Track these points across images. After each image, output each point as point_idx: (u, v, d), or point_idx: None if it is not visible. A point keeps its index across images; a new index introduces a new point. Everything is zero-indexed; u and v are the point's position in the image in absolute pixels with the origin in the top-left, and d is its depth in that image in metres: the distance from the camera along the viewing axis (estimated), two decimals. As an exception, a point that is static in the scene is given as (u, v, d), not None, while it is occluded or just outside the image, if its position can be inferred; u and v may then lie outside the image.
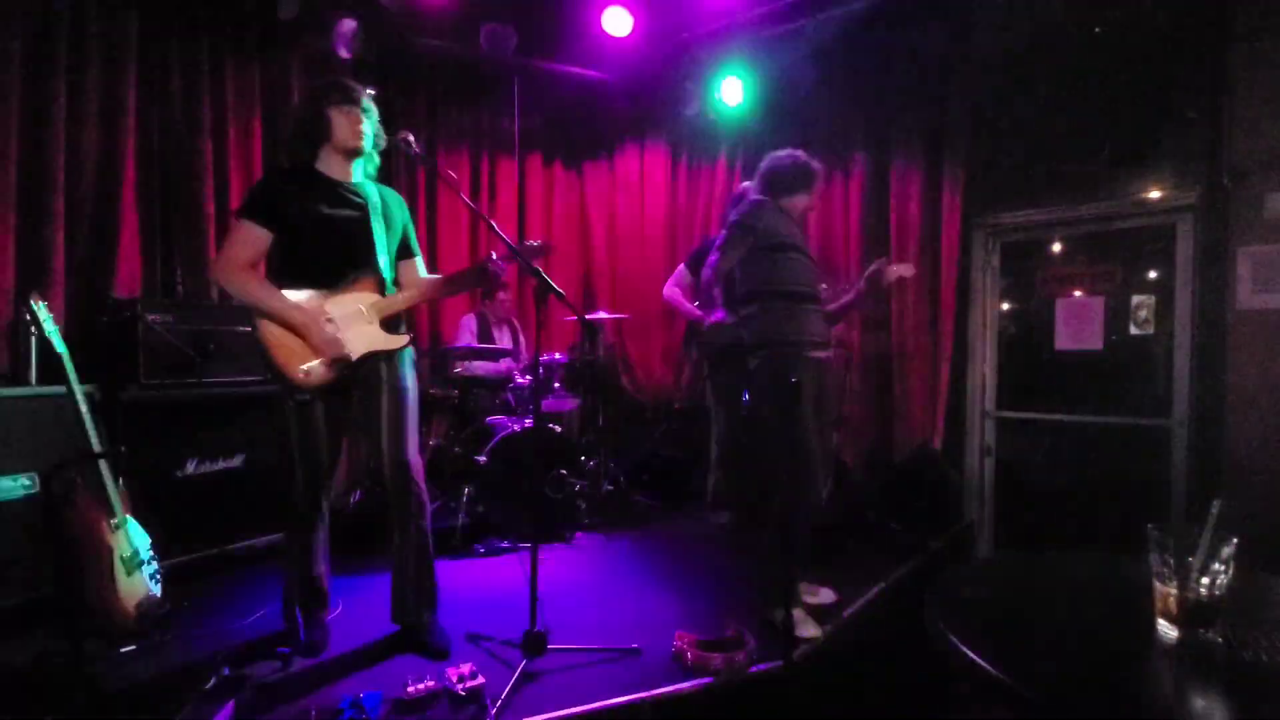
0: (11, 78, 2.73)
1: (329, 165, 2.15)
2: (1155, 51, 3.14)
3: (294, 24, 3.41)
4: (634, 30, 3.91)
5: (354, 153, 2.15)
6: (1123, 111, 3.24)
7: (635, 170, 5.02)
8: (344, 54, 3.54)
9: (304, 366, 2.04)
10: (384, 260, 2.19)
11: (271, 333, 2.05)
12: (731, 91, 4.19)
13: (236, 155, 3.45)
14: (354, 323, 2.10)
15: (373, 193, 2.23)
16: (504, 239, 2.14)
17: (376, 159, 2.24)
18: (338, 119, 2.10)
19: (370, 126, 2.16)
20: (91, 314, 2.93)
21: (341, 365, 2.07)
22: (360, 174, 2.22)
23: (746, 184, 2.88)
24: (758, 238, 2.40)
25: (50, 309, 2.25)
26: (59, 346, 2.19)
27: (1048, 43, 3.38)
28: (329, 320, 2.05)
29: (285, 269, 2.09)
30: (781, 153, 2.58)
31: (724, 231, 2.49)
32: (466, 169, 4.55)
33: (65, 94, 2.88)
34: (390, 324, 2.18)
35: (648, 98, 4.69)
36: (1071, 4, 3.29)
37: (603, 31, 3.88)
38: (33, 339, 2.42)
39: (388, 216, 2.24)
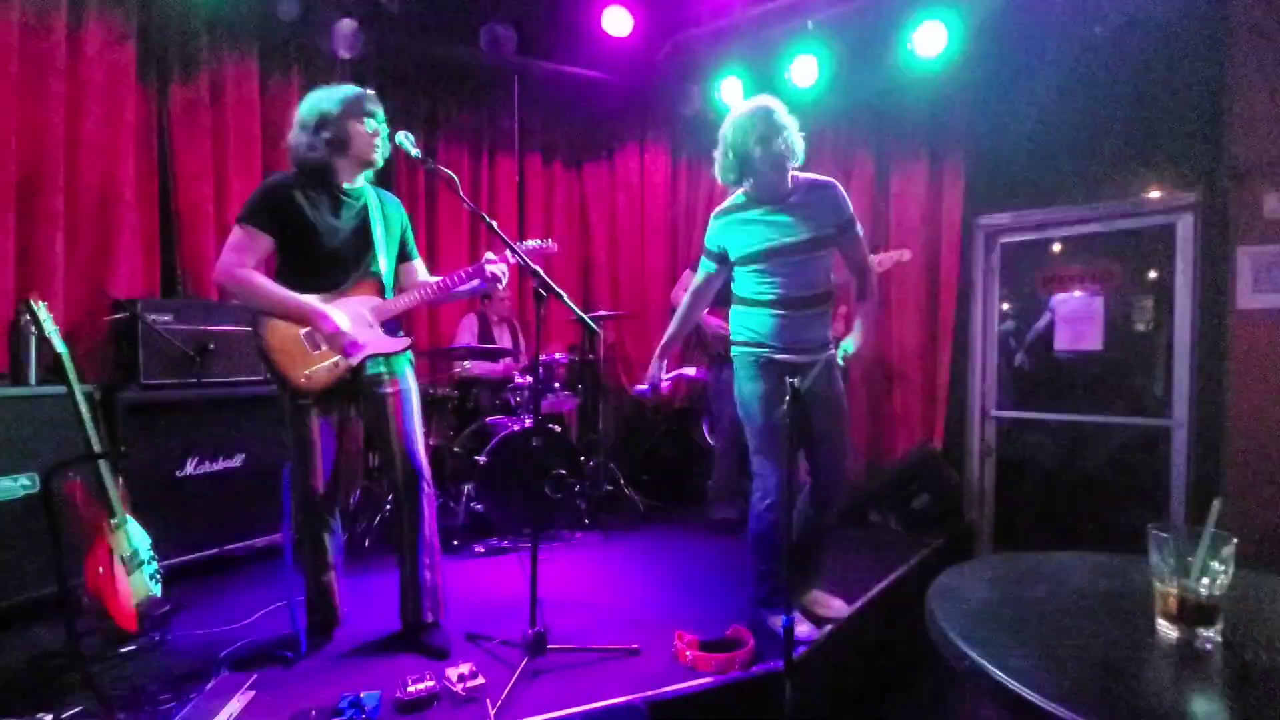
0: (11, 76, 2.72)
1: (341, 173, 2.17)
2: (1155, 51, 3.14)
3: (294, 24, 3.41)
4: (634, 30, 3.91)
5: (370, 164, 2.19)
6: (1123, 111, 3.24)
7: (635, 170, 5.01)
8: (344, 54, 3.54)
9: (306, 371, 2.05)
10: (385, 264, 2.22)
11: (274, 336, 2.06)
12: (732, 91, 4.19)
13: (236, 155, 3.45)
14: (356, 326, 2.11)
15: (371, 196, 2.25)
16: (504, 239, 2.14)
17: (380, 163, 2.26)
18: (357, 131, 2.12)
19: (384, 137, 2.19)
20: (91, 314, 2.92)
21: (343, 369, 2.09)
22: (362, 179, 2.24)
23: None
24: (723, 263, 2.39)
25: (50, 309, 2.24)
26: (59, 346, 2.19)
27: (1048, 42, 3.38)
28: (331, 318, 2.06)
29: (288, 274, 2.12)
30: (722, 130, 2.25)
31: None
32: (466, 169, 4.55)
33: (65, 94, 2.87)
34: (389, 326, 2.20)
35: (648, 98, 4.68)
36: (1072, 3, 3.29)
37: (603, 31, 3.88)
38: (33, 339, 2.41)
39: (386, 220, 2.27)
